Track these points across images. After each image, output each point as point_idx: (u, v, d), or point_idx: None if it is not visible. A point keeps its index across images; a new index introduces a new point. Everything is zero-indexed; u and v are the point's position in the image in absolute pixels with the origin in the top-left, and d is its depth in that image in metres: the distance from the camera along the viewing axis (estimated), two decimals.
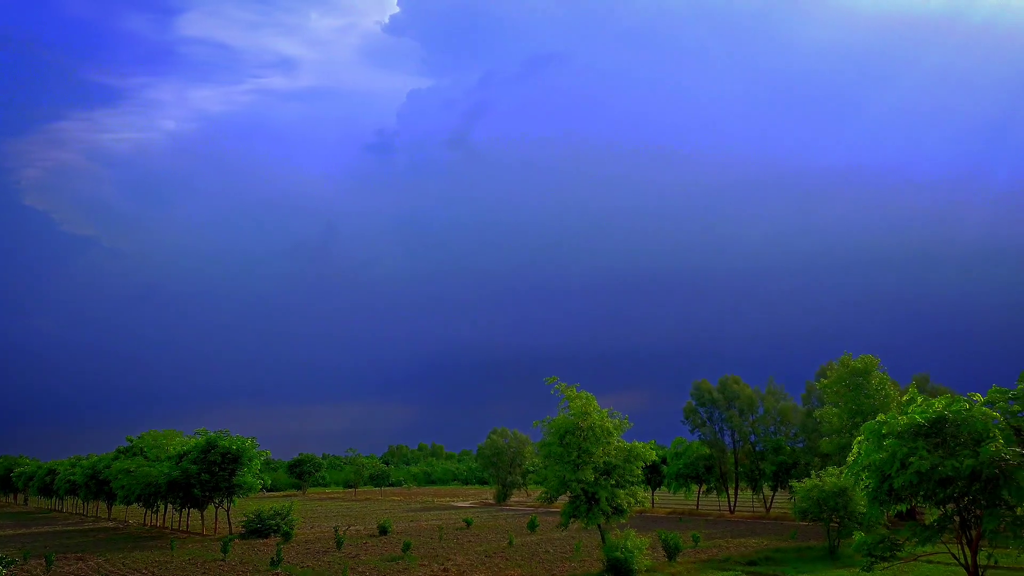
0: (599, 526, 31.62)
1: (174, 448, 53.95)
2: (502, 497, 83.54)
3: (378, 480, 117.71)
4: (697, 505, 68.80)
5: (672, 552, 32.22)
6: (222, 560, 36.05)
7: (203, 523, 53.72)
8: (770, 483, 61.27)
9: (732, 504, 63.65)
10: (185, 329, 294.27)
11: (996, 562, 20.77)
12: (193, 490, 48.34)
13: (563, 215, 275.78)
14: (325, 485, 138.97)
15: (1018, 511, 17.79)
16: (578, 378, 32.36)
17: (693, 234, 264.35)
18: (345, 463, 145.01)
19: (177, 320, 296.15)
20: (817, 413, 51.98)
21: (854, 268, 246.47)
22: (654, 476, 67.43)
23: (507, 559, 34.92)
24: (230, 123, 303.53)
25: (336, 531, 44.99)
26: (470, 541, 42.79)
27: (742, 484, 63.47)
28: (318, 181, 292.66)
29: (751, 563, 32.20)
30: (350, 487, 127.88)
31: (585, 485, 30.54)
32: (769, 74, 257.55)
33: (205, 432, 51.39)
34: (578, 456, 30.75)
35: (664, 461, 66.28)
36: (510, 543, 40.64)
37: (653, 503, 72.69)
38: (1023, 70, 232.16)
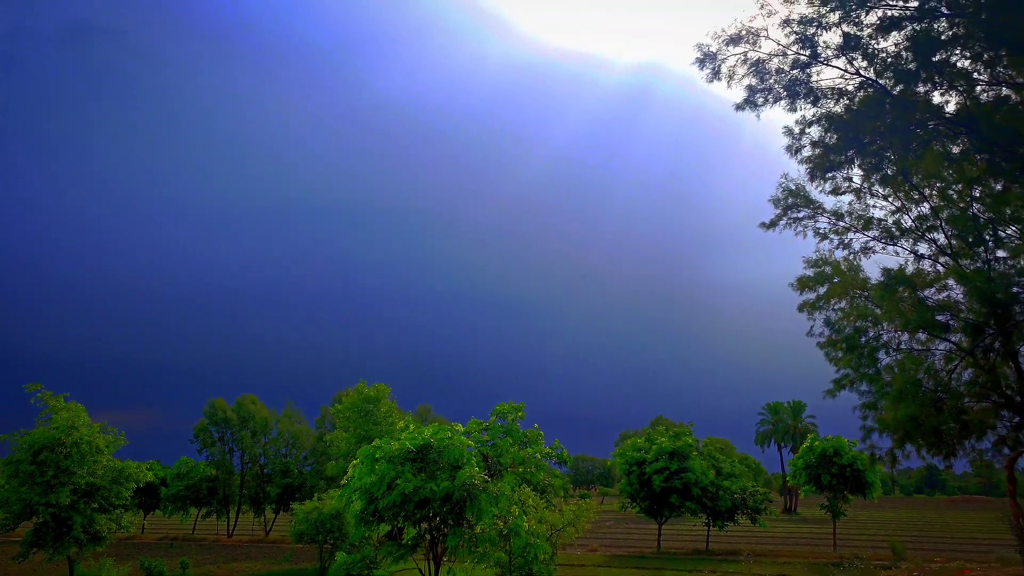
0: (69, 557, 27.78)
1: None
2: None
3: None
4: (193, 530, 65.05)
5: None
6: None
7: None
8: (274, 506, 61.06)
9: (231, 528, 61.70)
10: None
11: (455, 575, 23.56)
12: None
13: (96, 204, 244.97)
14: None
15: (476, 529, 20.49)
16: (82, 391, 28.39)
17: (254, 247, 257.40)
18: None
19: None
20: (328, 437, 53.71)
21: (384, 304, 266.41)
22: (149, 499, 62.13)
23: None
24: None
25: None
26: None
27: (245, 507, 62.08)
28: None
29: None
30: None
31: (57, 510, 26.62)
32: (340, 113, 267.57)
33: None
34: (54, 476, 26.77)
35: (164, 482, 61.47)
36: None
37: (144, 528, 66.63)
38: None
